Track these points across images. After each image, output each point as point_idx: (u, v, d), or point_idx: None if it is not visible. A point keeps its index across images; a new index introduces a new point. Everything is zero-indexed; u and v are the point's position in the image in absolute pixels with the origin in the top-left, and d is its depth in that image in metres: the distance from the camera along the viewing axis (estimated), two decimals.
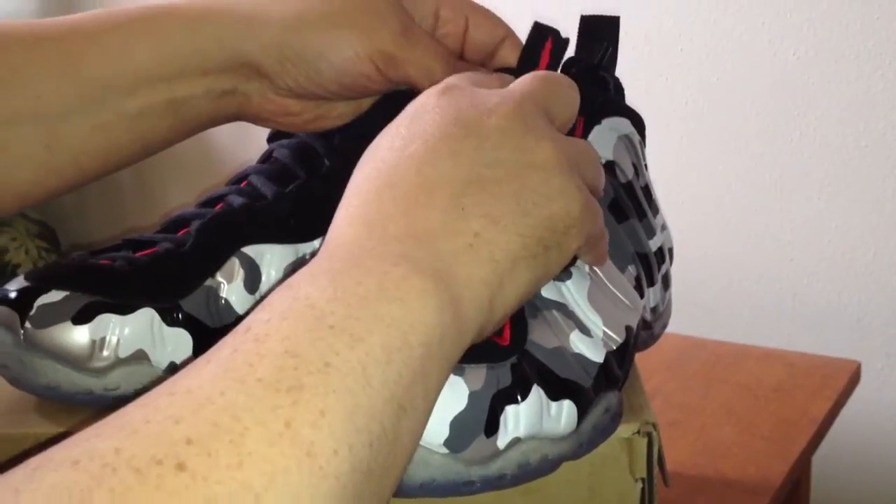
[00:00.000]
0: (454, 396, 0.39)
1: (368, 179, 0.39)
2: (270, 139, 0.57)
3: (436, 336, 0.33)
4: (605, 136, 0.51)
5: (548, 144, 0.39)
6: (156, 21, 0.49)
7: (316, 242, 0.54)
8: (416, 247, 0.35)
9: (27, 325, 0.47)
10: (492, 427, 0.39)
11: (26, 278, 0.50)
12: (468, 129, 0.38)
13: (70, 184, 0.51)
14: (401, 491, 0.38)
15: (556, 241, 0.38)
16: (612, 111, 0.52)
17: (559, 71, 0.50)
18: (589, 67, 0.51)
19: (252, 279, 0.52)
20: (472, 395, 0.39)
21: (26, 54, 0.47)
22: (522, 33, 0.54)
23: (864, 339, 1.15)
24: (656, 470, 0.46)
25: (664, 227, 0.57)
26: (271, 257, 0.52)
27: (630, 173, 0.53)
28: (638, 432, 0.45)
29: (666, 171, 1.21)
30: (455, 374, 0.39)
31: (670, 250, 0.57)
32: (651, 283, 0.53)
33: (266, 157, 0.56)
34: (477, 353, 0.39)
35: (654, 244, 0.54)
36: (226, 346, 0.31)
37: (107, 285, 0.49)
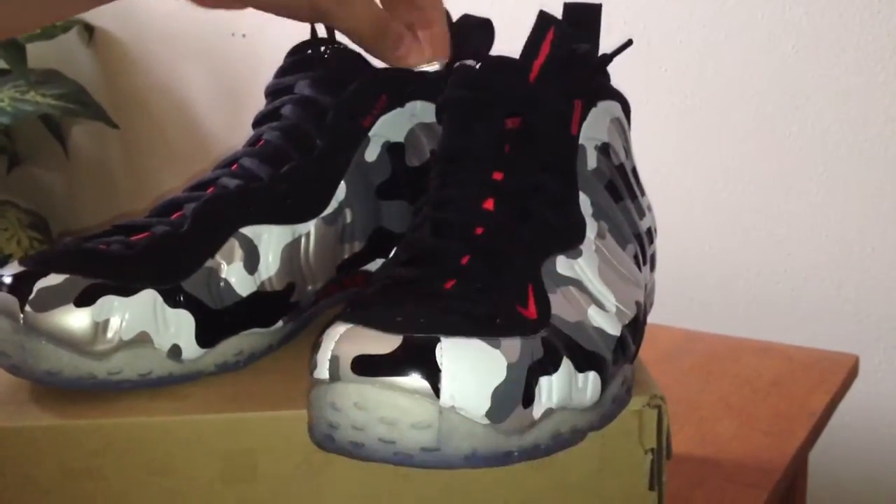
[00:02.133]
0: (493, 368, 0.39)
1: None
2: (256, 124, 0.57)
3: None
4: (601, 119, 0.52)
5: None
6: None
7: (311, 223, 0.54)
8: None
9: (27, 308, 0.47)
10: (528, 398, 0.40)
11: (21, 263, 0.49)
12: None
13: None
14: (447, 463, 0.39)
15: None
16: (606, 94, 0.53)
17: (556, 56, 0.50)
18: (589, 52, 0.52)
19: (251, 260, 0.51)
20: (510, 367, 0.40)
21: None
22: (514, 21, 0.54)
23: (862, 332, 1.15)
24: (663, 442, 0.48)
25: (650, 208, 0.58)
26: (269, 237, 0.52)
27: (622, 155, 0.54)
28: (648, 404, 0.47)
29: (664, 164, 1.21)
30: (492, 346, 0.40)
31: (655, 230, 0.59)
32: (644, 262, 0.54)
33: (255, 141, 0.56)
34: (509, 327, 0.40)
35: (643, 225, 0.55)
36: None
37: (108, 267, 0.48)
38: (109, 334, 0.47)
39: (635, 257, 0.52)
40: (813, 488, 0.93)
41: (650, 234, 0.56)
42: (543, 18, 0.50)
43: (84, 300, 0.47)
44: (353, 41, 0.55)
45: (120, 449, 0.47)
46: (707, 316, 1.22)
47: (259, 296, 0.52)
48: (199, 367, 0.51)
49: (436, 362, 0.38)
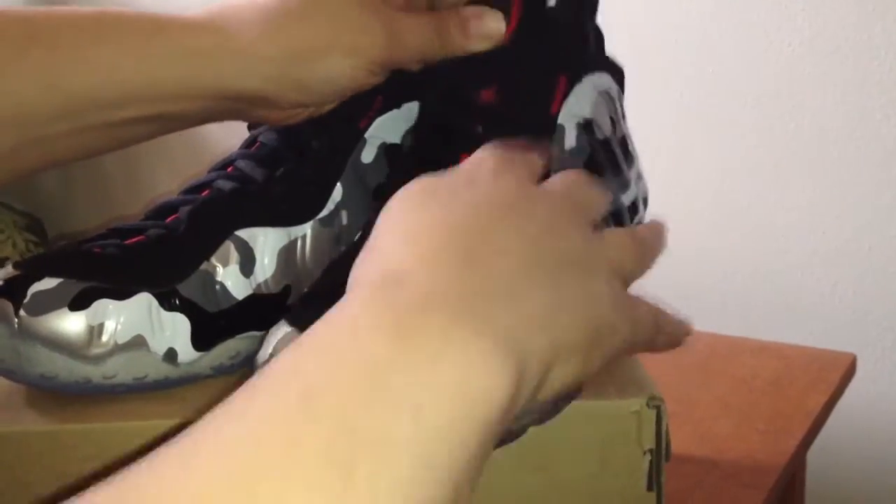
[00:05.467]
0: None
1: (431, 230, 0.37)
2: (251, 126, 0.57)
3: (497, 411, 0.30)
4: (586, 94, 0.50)
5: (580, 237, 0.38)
6: (150, 43, 0.48)
7: (307, 226, 0.54)
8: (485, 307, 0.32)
9: (21, 313, 0.47)
10: None
11: (15, 267, 0.49)
12: (519, 210, 0.37)
13: (40, 170, 0.51)
14: None
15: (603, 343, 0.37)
16: (593, 67, 0.51)
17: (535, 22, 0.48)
18: (569, 21, 0.50)
19: (247, 262, 0.51)
20: None
21: (14, 60, 0.46)
22: None
23: (860, 331, 1.15)
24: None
25: (639, 178, 0.56)
26: (265, 240, 0.52)
27: (608, 129, 0.52)
28: (647, 405, 0.47)
29: (660, 163, 1.20)
30: None
31: (645, 199, 0.57)
32: None
33: (251, 143, 0.56)
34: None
35: (627, 198, 0.54)
36: (264, 392, 0.29)
37: (102, 271, 0.48)
38: (104, 338, 0.47)
39: None
40: (811, 487, 0.92)
41: (635, 206, 0.55)
42: None
43: (79, 304, 0.47)
44: (432, 57, 0.51)
45: (115, 453, 0.47)
46: (704, 315, 1.21)
47: (255, 298, 0.52)
48: (195, 370, 0.50)
49: None
